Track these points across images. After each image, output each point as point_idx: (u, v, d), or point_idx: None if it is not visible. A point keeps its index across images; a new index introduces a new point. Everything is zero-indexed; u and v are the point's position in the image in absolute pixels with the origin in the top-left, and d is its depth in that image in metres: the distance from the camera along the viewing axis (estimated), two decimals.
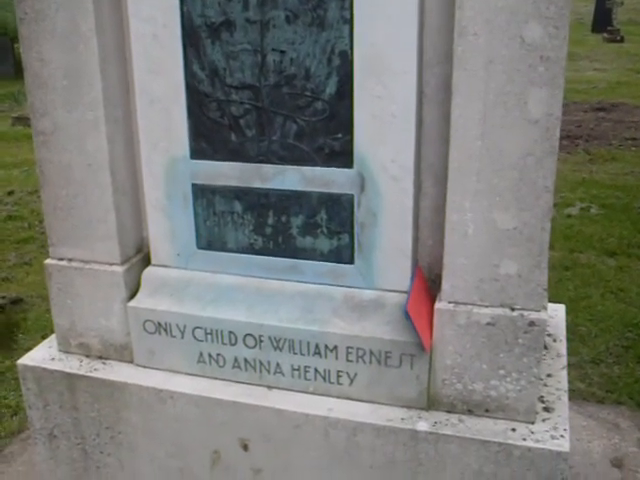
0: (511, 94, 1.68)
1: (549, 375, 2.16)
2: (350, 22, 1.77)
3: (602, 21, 18.90)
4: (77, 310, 2.24)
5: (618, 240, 4.89)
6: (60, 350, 2.33)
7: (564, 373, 2.19)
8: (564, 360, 2.26)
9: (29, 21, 1.98)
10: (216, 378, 2.14)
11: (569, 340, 3.38)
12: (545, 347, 2.31)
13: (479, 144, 1.73)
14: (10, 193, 6.37)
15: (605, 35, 17.94)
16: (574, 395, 3.12)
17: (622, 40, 17.37)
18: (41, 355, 2.33)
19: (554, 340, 2.38)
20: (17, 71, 14.69)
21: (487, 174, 1.75)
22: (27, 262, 4.77)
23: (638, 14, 22.57)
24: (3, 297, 4.15)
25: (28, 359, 2.31)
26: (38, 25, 1.97)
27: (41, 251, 4.85)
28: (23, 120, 9.50)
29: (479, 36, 1.66)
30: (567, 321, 3.48)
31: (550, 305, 2.61)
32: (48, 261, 2.23)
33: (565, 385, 2.11)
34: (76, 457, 2.34)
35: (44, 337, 3.58)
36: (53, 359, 2.30)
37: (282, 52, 1.84)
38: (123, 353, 2.25)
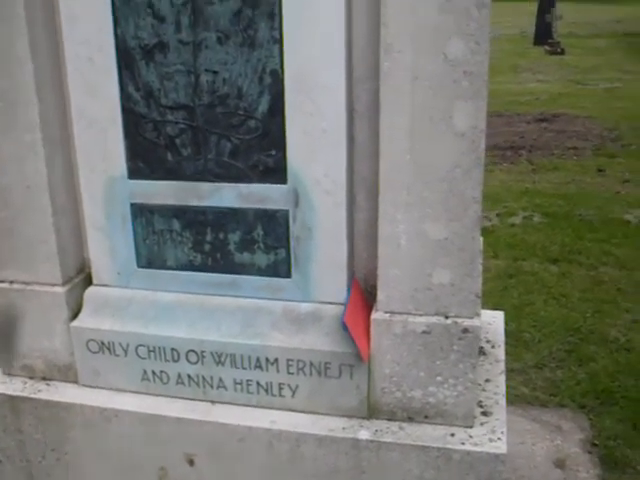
0: (437, 108, 1.74)
1: (487, 380, 2.22)
2: (280, 42, 1.81)
3: (543, 34, 19.40)
4: (19, 332, 2.24)
5: (560, 247, 5.02)
6: (3, 373, 2.32)
7: (502, 378, 2.25)
8: (502, 365, 2.32)
9: None
10: (160, 395, 2.15)
11: (513, 346, 3.48)
12: (484, 353, 2.38)
13: (408, 157, 1.79)
14: None
15: (546, 48, 18.39)
16: (518, 400, 3.21)
17: (563, 52, 17.84)
18: None
19: (492, 346, 2.45)
20: None
21: (417, 187, 1.80)
22: None
23: (577, 27, 23.20)
24: None
25: None
26: None
27: None
28: None
29: (404, 53, 1.72)
30: (511, 328, 3.59)
31: (489, 312, 2.69)
32: None
33: (503, 389, 2.17)
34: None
35: None
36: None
37: (215, 72, 1.88)
38: (67, 374, 2.25)
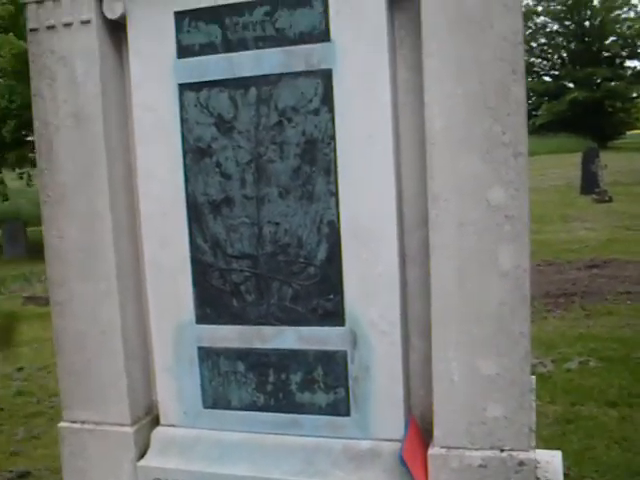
0: (482, 251, 1.87)
1: None
2: (336, 195, 1.99)
3: (590, 184, 19.69)
4: (88, 471, 2.32)
5: (618, 391, 4.95)
6: None
7: None
8: None
9: (51, 203, 2.22)
10: None
11: None
12: None
13: (457, 298, 1.90)
14: (20, 369, 6.47)
15: (594, 196, 18.61)
16: None
17: (610, 200, 18.00)
18: None
19: None
20: (28, 252, 15.21)
21: (467, 324, 1.91)
22: (35, 436, 4.81)
23: (623, 176, 23.51)
24: (10, 471, 4.17)
25: None
26: (59, 206, 2.21)
27: (50, 424, 4.90)
28: (34, 299, 9.77)
29: (450, 201, 1.88)
30: (574, 473, 3.53)
31: (547, 451, 2.68)
32: (61, 424, 2.34)
33: None
34: None
35: None
36: None
37: (277, 224, 2.05)
38: None
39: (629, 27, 49.86)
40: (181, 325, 2.20)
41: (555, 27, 56.97)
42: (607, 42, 54.71)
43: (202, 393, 2.22)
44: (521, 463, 1.91)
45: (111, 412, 2.29)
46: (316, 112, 1.98)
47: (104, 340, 2.25)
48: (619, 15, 54.08)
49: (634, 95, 56.15)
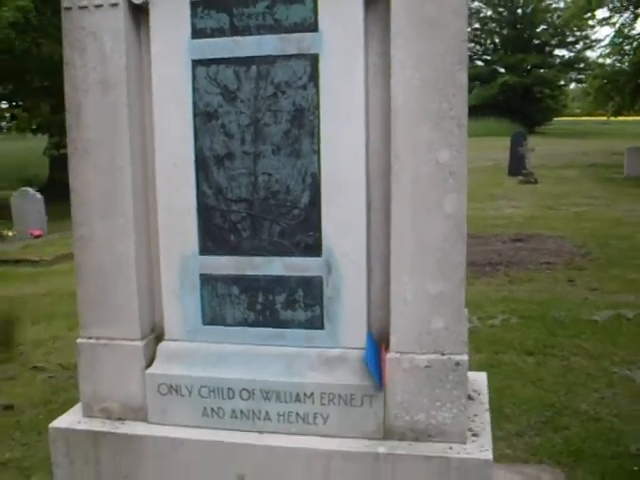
0: (431, 198, 2.43)
1: (475, 415, 2.80)
2: (318, 153, 2.52)
3: (517, 166, 20.67)
4: (100, 379, 2.81)
5: (535, 342, 5.65)
6: (84, 415, 2.86)
7: (487, 414, 2.83)
8: (486, 405, 2.92)
9: (78, 155, 2.68)
10: (217, 428, 2.71)
11: (497, 419, 4.03)
12: (471, 398, 2.96)
13: (411, 235, 2.46)
14: None
15: (520, 178, 19.60)
16: (503, 459, 3.74)
17: (536, 182, 19.02)
18: (68, 420, 2.87)
19: (478, 394, 3.04)
20: None
21: (418, 256, 2.47)
22: (11, 377, 5.22)
23: (548, 159, 24.67)
24: None
25: (58, 423, 2.85)
26: (84, 158, 2.67)
27: (22, 368, 5.31)
28: None
29: (407, 160, 2.43)
30: (494, 405, 4.15)
31: (474, 373, 3.28)
32: (79, 340, 2.82)
33: (488, 420, 2.76)
34: None
35: (39, 434, 4.07)
36: (79, 422, 2.84)
37: (269, 174, 2.57)
38: (138, 414, 2.80)
39: (559, 17, 51.46)
40: (186, 256, 2.70)
41: (489, 13, 58.31)
42: (538, 30, 56.32)
43: (202, 312, 2.73)
44: (457, 364, 2.50)
45: (123, 329, 2.77)
46: (304, 87, 2.50)
47: (119, 269, 2.73)
48: (550, 4, 55.72)
49: (562, 83, 58.07)
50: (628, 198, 15.21)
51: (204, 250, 2.69)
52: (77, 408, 2.93)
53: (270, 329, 2.69)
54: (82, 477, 2.81)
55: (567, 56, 56.92)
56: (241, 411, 2.69)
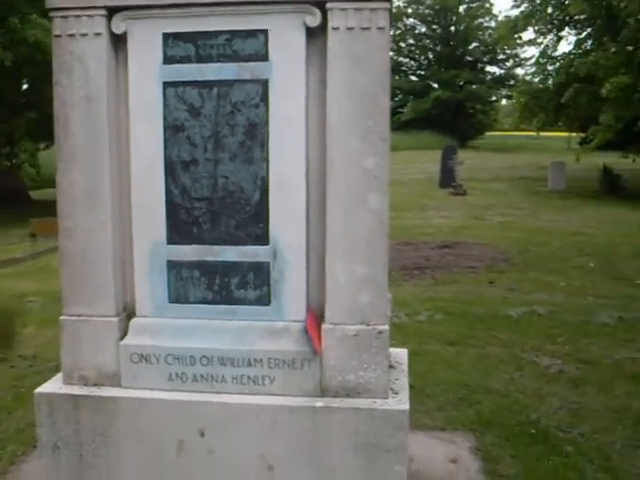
0: (359, 197, 3.01)
1: (396, 379, 3.38)
2: (267, 160, 3.08)
3: (447, 178, 21.60)
4: (79, 350, 3.29)
5: (456, 335, 6.29)
6: (64, 383, 3.35)
7: (405, 379, 3.42)
8: (405, 372, 3.50)
9: (64, 159, 3.17)
10: (181, 390, 3.23)
11: (418, 397, 4.63)
12: (393, 367, 3.54)
13: (342, 228, 3.04)
14: None
15: (450, 190, 20.49)
16: (422, 427, 4.34)
17: (465, 193, 19.93)
18: (51, 387, 3.34)
19: (399, 364, 3.63)
20: None
21: (349, 244, 3.04)
22: None
23: (478, 172, 25.74)
24: None
25: (42, 389, 3.32)
26: (70, 162, 3.17)
27: None
28: None
29: (340, 166, 3.01)
30: (417, 386, 4.76)
31: (397, 349, 3.87)
32: (62, 317, 3.30)
33: (406, 383, 3.35)
34: (73, 462, 3.31)
35: (9, 413, 4.49)
36: (60, 388, 3.32)
37: (227, 177, 3.11)
38: (113, 380, 3.30)
39: (490, 35, 53.25)
40: (156, 245, 3.22)
41: (423, 30, 59.81)
42: (470, 47, 58.04)
43: (168, 292, 3.25)
44: (380, 332, 3.08)
45: (101, 307, 3.27)
46: (257, 106, 3.06)
47: (98, 256, 3.23)
48: (482, 23, 57.55)
49: (493, 98, 59.92)
50: (550, 209, 16.21)
51: (171, 240, 3.21)
52: (58, 377, 3.41)
53: (226, 306, 3.22)
54: (63, 435, 3.29)
55: (498, 73, 58.86)
56: (201, 375, 3.21)
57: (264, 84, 3.04)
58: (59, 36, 3.13)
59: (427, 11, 58.03)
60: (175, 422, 3.19)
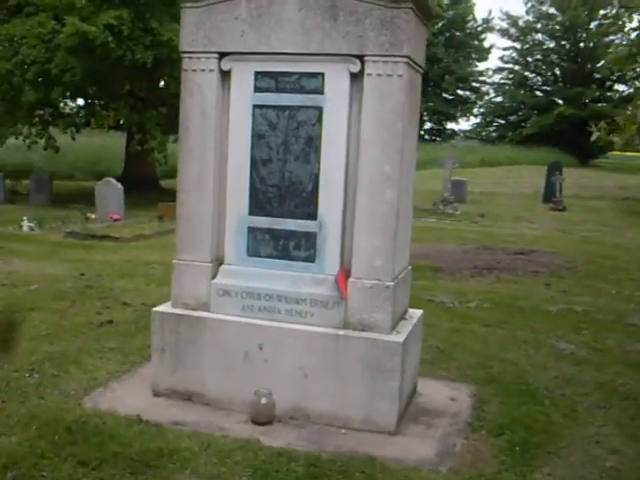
0: (378, 191, 4.36)
1: (403, 326, 4.70)
2: (319, 162, 4.47)
3: (550, 193, 22.27)
4: (184, 285, 4.79)
5: (495, 320, 7.45)
6: (172, 306, 4.86)
7: (410, 326, 4.73)
8: (414, 321, 4.82)
9: (184, 154, 4.68)
10: (249, 317, 4.67)
11: (444, 359, 5.88)
12: (405, 319, 4.86)
13: (366, 211, 4.39)
14: (82, 274, 8.90)
15: (551, 205, 21.19)
16: (438, 378, 5.60)
17: (564, 209, 20.59)
18: (163, 308, 4.87)
19: (411, 317, 4.95)
20: (52, 200, 17.68)
21: (370, 223, 4.40)
22: (108, 306, 7.28)
23: (585, 190, 26.14)
24: (101, 322, 6.63)
25: (157, 309, 4.84)
26: (188, 155, 4.67)
27: (116, 303, 7.38)
28: (73, 234, 12.21)
29: (368, 169, 4.36)
30: (446, 352, 6.01)
31: (414, 309, 5.18)
32: (174, 261, 4.81)
33: (409, 329, 4.66)
34: (173, 361, 4.81)
35: (134, 332, 6.08)
36: (169, 309, 4.83)
37: (291, 172, 4.53)
38: (204, 306, 4.77)
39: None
40: (241, 215, 4.67)
41: (552, 45, 59.39)
42: (598, 65, 57.18)
43: (247, 248, 4.69)
44: (387, 287, 4.42)
45: (201, 255, 4.75)
46: (314, 125, 4.47)
47: (203, 220, 4.72)
48: (613, 40, 56.56)
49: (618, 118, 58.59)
50: (637, 229, 16.70)
51: (251, 213, 4.66)
52: (167, 303, 4.93)
53: (285, 261, 4.64)
54: (168, 342, 4.80)
55: (627, 92, 57.72)
56: (264, 307, 4.65)
57: (320, 110, 4.44)
58: (186, 70, 4.64)
59: (556, 27, 57.68)
60: (243, 338, 4.63)
